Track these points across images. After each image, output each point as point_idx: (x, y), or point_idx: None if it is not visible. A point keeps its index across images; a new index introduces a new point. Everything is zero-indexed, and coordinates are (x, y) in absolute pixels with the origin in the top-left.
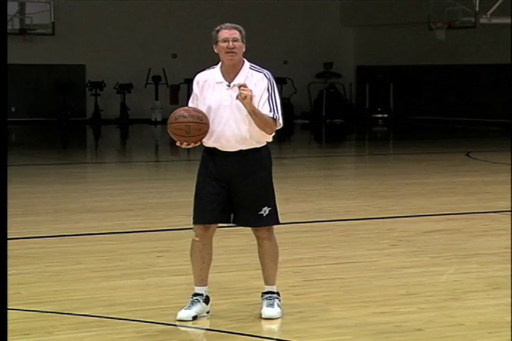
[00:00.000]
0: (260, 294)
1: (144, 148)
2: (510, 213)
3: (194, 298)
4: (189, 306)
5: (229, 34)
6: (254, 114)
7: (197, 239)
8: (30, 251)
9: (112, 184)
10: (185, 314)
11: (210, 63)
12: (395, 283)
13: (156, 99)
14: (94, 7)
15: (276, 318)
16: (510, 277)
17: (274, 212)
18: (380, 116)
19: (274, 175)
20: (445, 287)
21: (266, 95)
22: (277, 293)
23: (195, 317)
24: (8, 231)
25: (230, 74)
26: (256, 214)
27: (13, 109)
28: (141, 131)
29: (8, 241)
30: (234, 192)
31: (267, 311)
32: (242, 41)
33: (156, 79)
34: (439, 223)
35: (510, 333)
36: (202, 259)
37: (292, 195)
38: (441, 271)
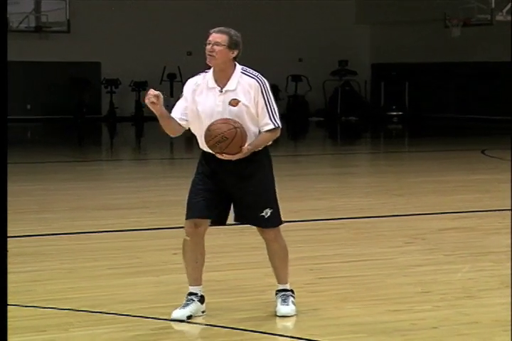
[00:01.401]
0: (275, 292)
1: (159, 146)
2: (510, 212)
3: (189, 297)
4: (183, 306)
5: (213, 37)
6: (255, 148)
7: (188, 238)
8: (46, 248)
9: (127, 181)
10: (179, 313)
11: None
12: (410, 281)
13: (171, 96)
14: (110, 5)
15: (291, 316)
16: (510, 276)
17: (276, 213)
18: (394, 113)
19: (288, 172)
20: (460, 285)
21: (262, 101)
22: (291, 291)
23: (189, 317)
24: (24, 228)
25: (221, 79)
26: (258, 216)
27: (28, 107)
28: (156, 128)
29: (24, 238)
30: (234, 196)
31: (281, 309)
32: (230, 47)
33: (171, 77)
34: (454, 221)
35: (510, 333)
36: (195, 259)
37: (306, 193)
38: (456, 269)
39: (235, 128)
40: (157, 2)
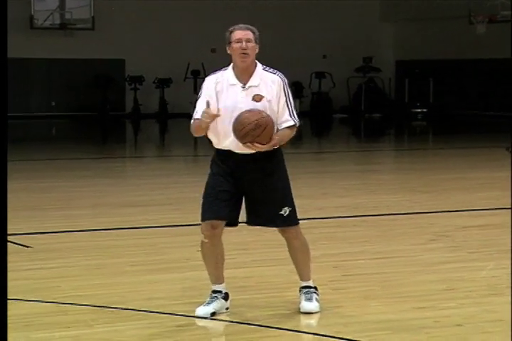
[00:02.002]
0: (299, 288)
1: (183, 143)
2: (510, 212)
3: (213, 294)
4: (208, 303)
5: (242, 35)
6: (280, 142)
7: (206, 240)
8: (71, 245)
9: (151, 178)
10: (203, 311)
11: None
12: (435, 278)
13: (195, 93)
14: (134, 2)
15: (315, 312)
16: (510, 276)
17: (293, 211)
18: (419, 110)
19: (312, 169)
20: (485, 282)
21: (283, 99)
22: (315, 288)
23: (213, 314)
24: (49, 224)
25: (243, 75)
26: (277, 215)
27: (53, 104)
28: (180, 125)
29: (49, 234)
30: (252, 195)
31: (305, 305)
32: (256, 42)
33: (195, 74)
34: (479, 218)
35: (510, 333)
36: (215, 260)
37: (330, 190)
38: (481, 267)
39: (267, 116)
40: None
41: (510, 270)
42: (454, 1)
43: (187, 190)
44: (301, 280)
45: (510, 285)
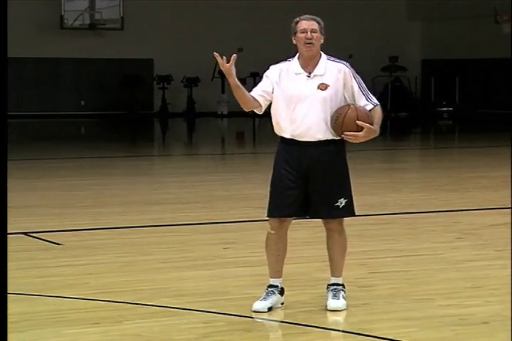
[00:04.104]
0: (326, 286)
1: (210, 141)
2: (510, 212)
3: (269, 289)
4: (264, 297)
5: (307, 25)
6: (376, 127)
7: (272, 232)
8: (100, 242)
9: (178, 176)
10: (260, 305)
11: (276, 57)
12: (461, 276)
13: (223, 92)
14: (162, 1)
15: (342, 310)
16: (510, 276)
17: (350, 204)
18: (445, 109)
19: None
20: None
21: (356, 85)
22: (343, 285)
23: (270, 309)
24: (78, 222)
25: (308, 65)
26: (332, 206)
27: (82, 103)
28: (208, 124)
29: (79, 232)
30: (310, 183)
31: (332, 303)
32: (321, 33)
33: (223, 73)
34: (505, 216)
35: (510, 333)
36: (277, 252)
37: (357, 188)
38: (508, 265)
39: (348, 105)
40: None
41: (510, 270)
42: (480, 0)
43: (214, 188)
44: (332, 275)
45: None
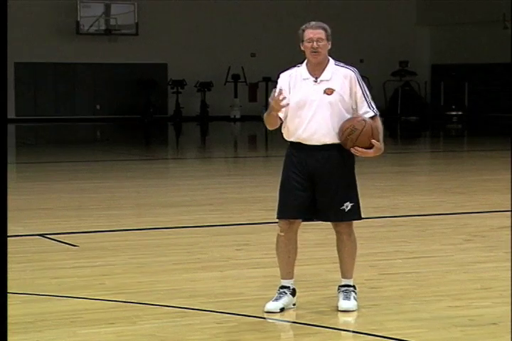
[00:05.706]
0: (337, 287)
1: (223, 145)
2: (510, 212)
3: (281, 290)
4: (276, 298)
5: (313, 34)
6: (383, 147)
7: (282, 234)
8: (115, 244)
9: (192, 179)
10: (272, 306)
11: (288, 62)
12: (470, 278)
13: (235, 96)
14: (177, 7)
15: (353, 311)
16: (510, 276)
17: (356, 207)
18: (454, 113)
19: None
20: None
21: (360, 92)
22: (353, 287)
23: (282, 309)
24: (94, 224)
25: (315, 70)
26: (338, 209)
27: (97, 107)
28: (221, 127)
29: (94, 233)
30: (317, 186)
31: (343, 304)
32: (327, 40)
33: (235, 78)
34: None
35: (510, 333)
36: (287, 253)
37: (367, 191)
38: None
39: (364, 120)
40: (222, 5)
41: (510, 270)
42: (489, 5)
43: (227, 190)
44: (343, 277)
45: None
